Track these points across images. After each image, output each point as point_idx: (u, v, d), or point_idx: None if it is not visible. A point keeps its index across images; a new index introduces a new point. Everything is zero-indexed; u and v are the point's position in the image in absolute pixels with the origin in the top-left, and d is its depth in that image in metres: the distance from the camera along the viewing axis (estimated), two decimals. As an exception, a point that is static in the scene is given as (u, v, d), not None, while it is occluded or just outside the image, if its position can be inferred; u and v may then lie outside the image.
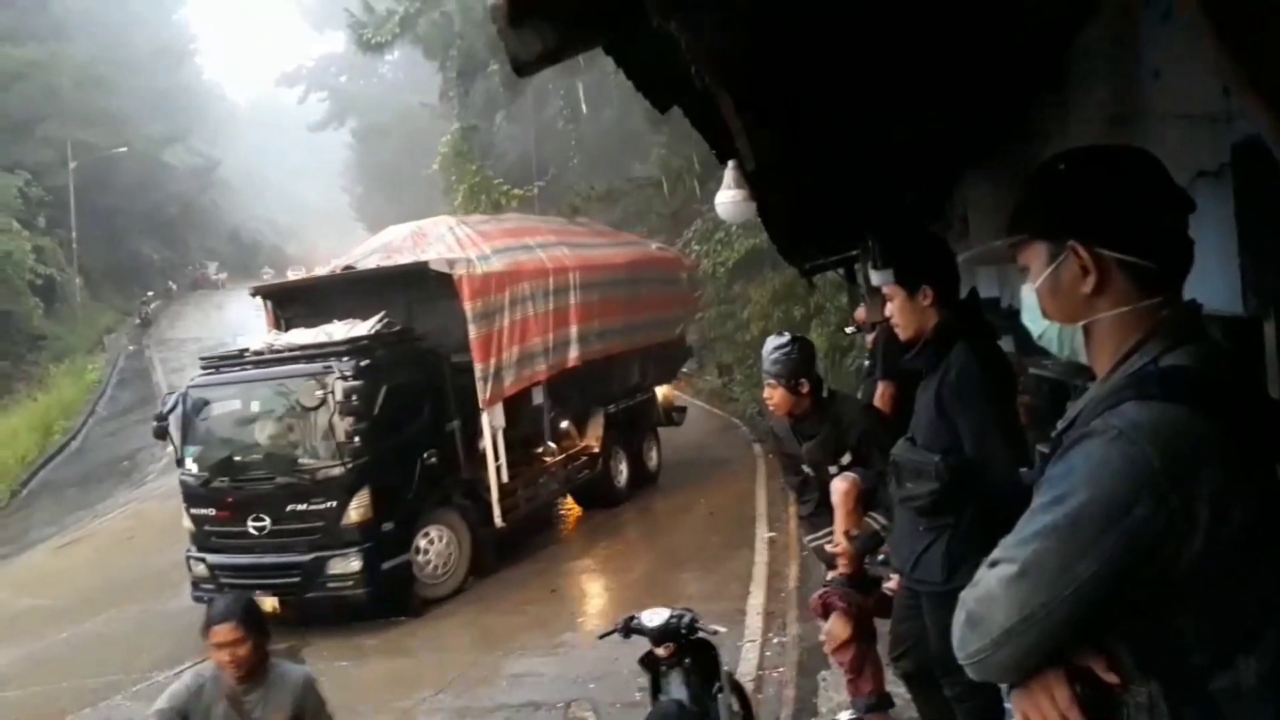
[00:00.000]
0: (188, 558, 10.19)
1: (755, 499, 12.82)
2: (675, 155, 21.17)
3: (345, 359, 9.59)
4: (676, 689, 4.68)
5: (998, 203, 4.91)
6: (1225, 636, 1.46)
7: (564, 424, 12.90)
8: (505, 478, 10.85)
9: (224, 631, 3.91)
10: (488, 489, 10.69)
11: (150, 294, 44.34)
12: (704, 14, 1.58)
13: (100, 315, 40.15)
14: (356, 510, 9.43)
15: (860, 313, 9.22)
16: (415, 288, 10.89)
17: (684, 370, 23.53)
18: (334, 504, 9.43)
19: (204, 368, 10.82)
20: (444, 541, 10.23)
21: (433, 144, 32.97)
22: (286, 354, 10.10)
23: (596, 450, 13.02)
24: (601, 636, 4.97)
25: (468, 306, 10.48)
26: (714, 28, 1.60)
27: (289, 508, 9.51)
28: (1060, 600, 1.45)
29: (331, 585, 9.42)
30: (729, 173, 3.91)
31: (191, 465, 10.15)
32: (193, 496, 10.11)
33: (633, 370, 14.19)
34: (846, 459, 4.71)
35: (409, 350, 10.49)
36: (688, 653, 4.76)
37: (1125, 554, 1.42)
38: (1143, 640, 1.49)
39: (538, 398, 12.03)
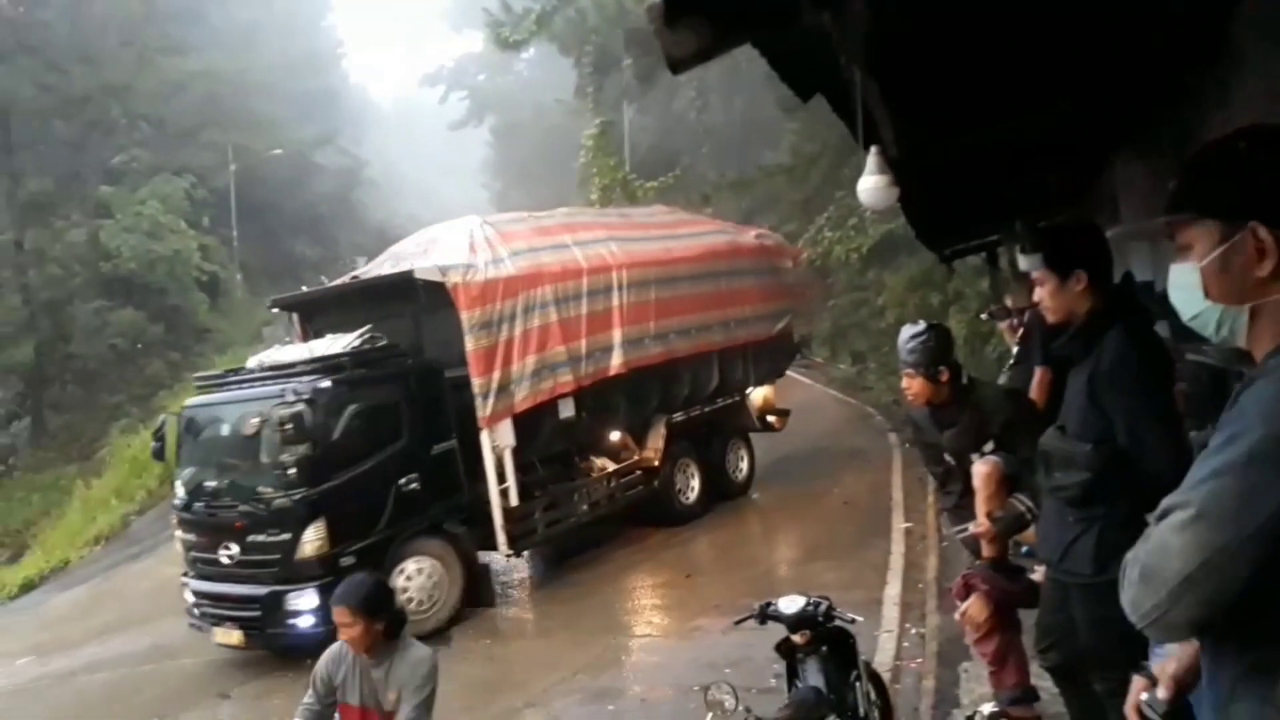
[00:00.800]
0: (181, 583, 9.82)
1: (891, 488, 12.61)
2: (808, 141, 20.98)
3: (306, 380, 8.97)
4: (813, 676, 4.67)
5: (1152, 183, 4.73)
6: None
7: (613, 436, 11.68)
8: (515, 500, 9.90)
9: (339, 613, 4.21)
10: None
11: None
12: (855, 5, 1.61)
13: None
14: (311, 544, 8.69)
15: (1010, 300, 8.96)
16: (416, 298, 10.03)
17: (815, 359, 23.33)
18: (288, 536, 8.75)
19: (198, 387, 10.51)
20: (425, 575, 9.34)
21: (568, 139, 33.60)
22: (259, 375, 9.66)
23: (656, 464, 11.83)
24: (737, 622, 5.00)
25: (464, 316, 9.60)
26: (865, 19, 1.63)
27: (250, 538, 8.95)
28: (1241, 542, 1.40)
29: (289, 622, 8.70)
30: (871, 159, 3.88)
31: (179, 486, 9.85)
32: (180, 519, 9.79)
33: (710, 372, 12.75)
34: (989, 447, 4.61)
35: (392, 367, 9.68)
36: (824, 640, 4.75)
37: None
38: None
39: (566, 410, 10.64)
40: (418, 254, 10.87)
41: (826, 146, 19.77)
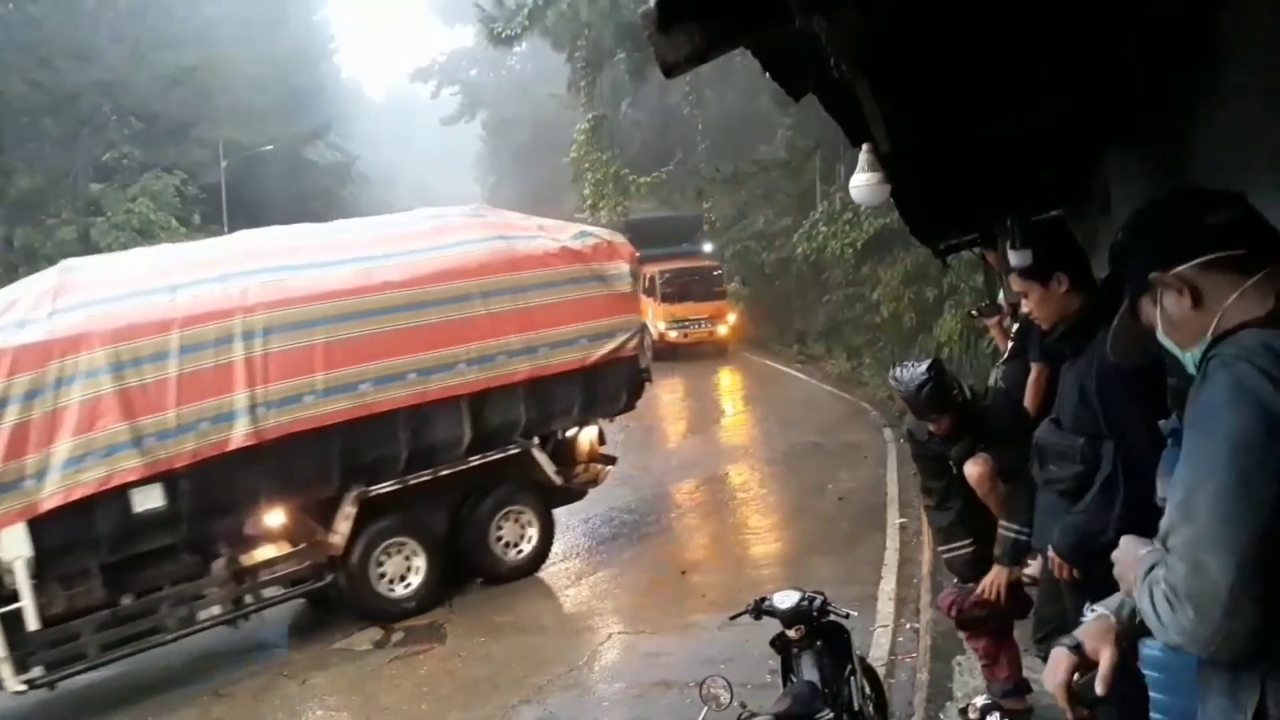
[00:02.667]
0: None
1: (886, 484, 12.66)
2: (802, 136, 21.00)
3: None
4: (808, 671, 4.69)
5: (1145, 176, 4.75)
6: None
7: (273, 519, 9.10)
8: (35, 624, 7.72)
9: None
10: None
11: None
12: (844, 7, 1.62)
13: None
14: None
15: (1004, 294, 8.96)
16: None
17: (811, 353, 23.35)
18: None
19: None
20: None
21: (561, 134, 33.53)
22: None
23: (339, 551, 9.22)
24: (732, 618, 5.01)
25: None
26: (853, 20, 1.64)
27: None
28: (1262, 529, 1.42)
29: None
30: (863, 156, 3.89)
31: None
32: None
33: (455, 422, 9.75)
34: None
35: None
36: (819, 635, 4.77)
37: None
38: None
39: (148, 499, 8.20)
40: None
41: (821, 141, 19.79)
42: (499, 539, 10.31)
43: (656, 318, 24.11)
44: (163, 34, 39.59)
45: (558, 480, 10.60)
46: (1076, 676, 1.75)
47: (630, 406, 11.47)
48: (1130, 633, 1.77)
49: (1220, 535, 1.44)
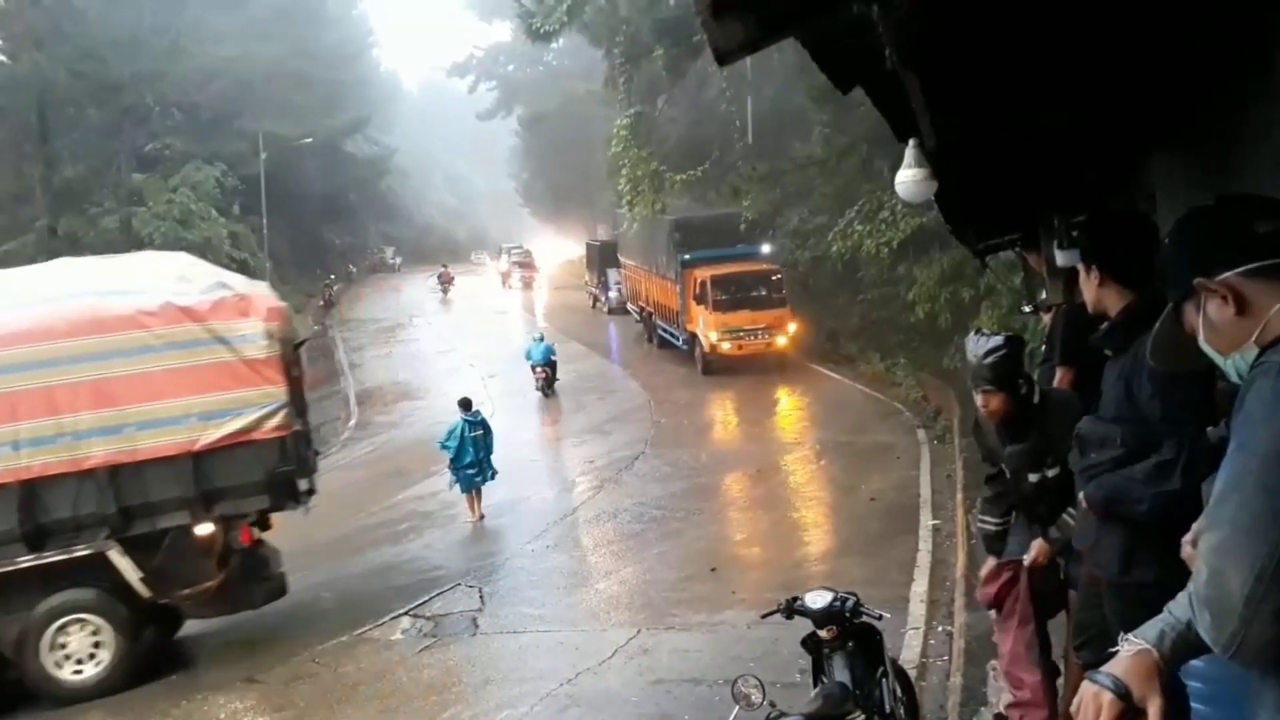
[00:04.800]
0: None
1: (919, 485, 12.55)
2: (839, 133, 20.83)
3: None
4: (839, 672, 4.65)
5: (1191, 178, 4.66)
6: None
7: None
8: None
9: None
10: None
11: (332, 277, 47.12)
12: (901, -4, 1.59)
13: (288, 298, 42.38)
14: None
15: (1044, 294, 8.82)
16: None
17: (844, 353, 23.17)
18: None
19: None
20: None
21: (597, 129, 33.54)
22: None
23: None
24: (764, 616, 4.99)
25: None
26: (911, 10, 1.61)
27: None
28: None
29: None
30: (909, 152, 3.85)
31: None
32: None
33: (7, 514, 8.28)
34: (1053, 472, 4.48)
35: None
36: (851, 636, 4.73)
37: None
38: None
39: None
40: None
41: (858, 139, 19.63)
42: (61, 654, 8.53)
43: (708, 327, 22.11)
44: (204, 26, 40.06)
45: (145, 591, 8.60)
46: None
47: (278, 506, 9.33)
48: (1174, 663, 1.71)
49: (1241, 545, 1.44)
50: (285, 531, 14.60)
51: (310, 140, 42.71)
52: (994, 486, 4.93)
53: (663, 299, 25.92)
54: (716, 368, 22.29)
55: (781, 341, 22.31)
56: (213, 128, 39.95)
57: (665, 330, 26.14)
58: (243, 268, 38.15)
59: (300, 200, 46.83)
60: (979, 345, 4.42)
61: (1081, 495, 3.62)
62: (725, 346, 22.04)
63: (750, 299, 22.44)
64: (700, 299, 22.43)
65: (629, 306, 31.66)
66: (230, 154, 39.33)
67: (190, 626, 9.86)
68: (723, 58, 1.76)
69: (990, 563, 4.95)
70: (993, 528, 4.94)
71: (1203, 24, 3.10)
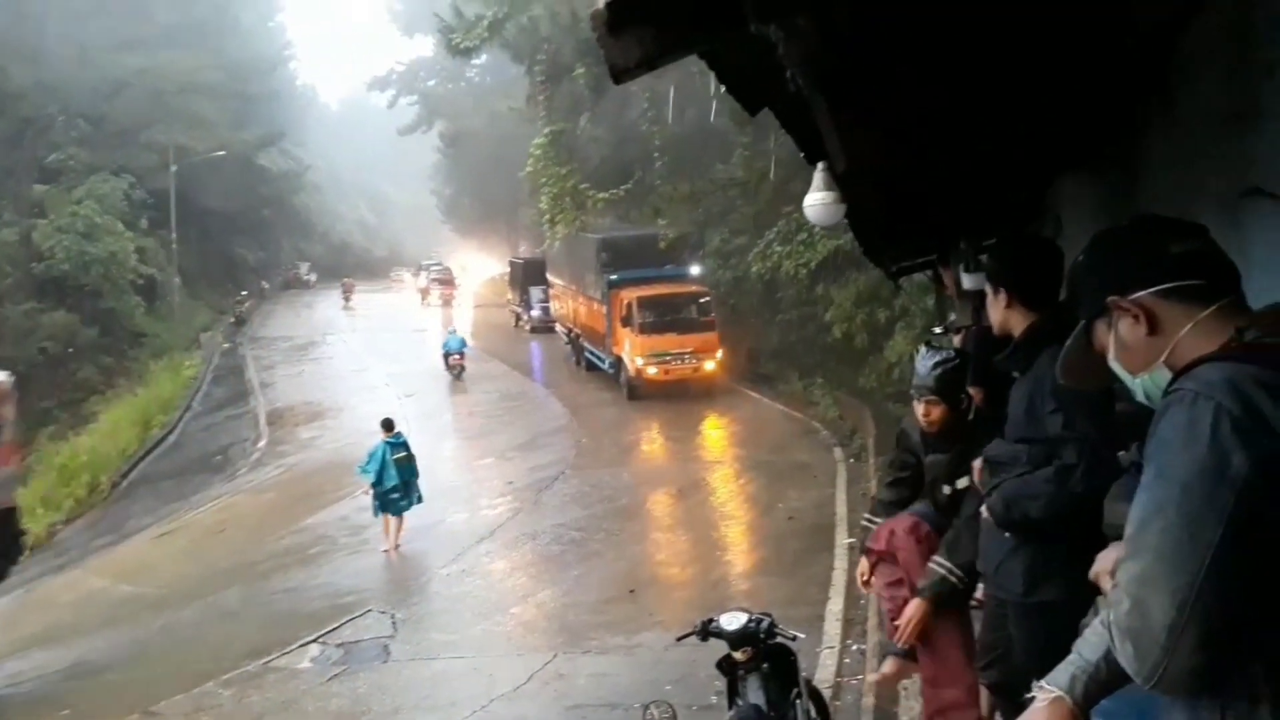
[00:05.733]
0: None
1: (835, 504, 12.67)
2: (759, 156, 21.07)
3: None
4: (754, 694, 4.63)
5: (1097, 202, 4.78)
6: None
7: None
8: None
9: None
10: None
11: (244, 293, 45.97)
12: (801, 17, 1.57)
13: (197, 313, 41.64)
14: None
15: (954, 317, 9.02)
16: None
17: (763, 372, 23.37)
18: None
19: None
20: None
21: (520, 146, 33.38)
22: None
23: None
24: (679, 639, 4.94)
25: None
26: (811, 31, 1.59)
27: None
28: (1203, 574, 1.41)
29: None
30: (818, 175, 3.87)
31: None
32: None
33: None
34: (963, 483, 4.52)
35: None
36: (766, 657, 4.71)
37: (1241, 506, 1.40)
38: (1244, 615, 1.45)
39: None
40: None
41: (777, 161, 19.87)
42: None
43: (633, 350, 21.49)
44: (112, 36, 38.90)
45: None
46: None
47: None
48: (1087, 707, 1.72)
49: (1162, 575, 1.44)
50: (194, 555, 14.18)
51: (223, 154, 41.69)
52: (895, 491, 4.93)
53: (589, 320, 25.32)
54: (642, 393, 21.69)
55: (709, 366, 21.77)
56: (121, 139, 38.76)
57: (592, 353, 25.52)
58: (150, 283, 37.06)
59: (212, 215, 45.67)
60: (930, 357, 4.48)
61: (984, 509, 3.65)
62: (651, 371, 21.38)
63: (677, 321, 21.82)
64: (626, 321, 21.87)
65: (558, 327, 30.80)
66: (139, 166, 38.21)
67: (86, 654, 9.45)
68: (619, 75, 1.72)
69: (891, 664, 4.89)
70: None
71: (1110, 56, 3.17)
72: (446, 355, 26.34)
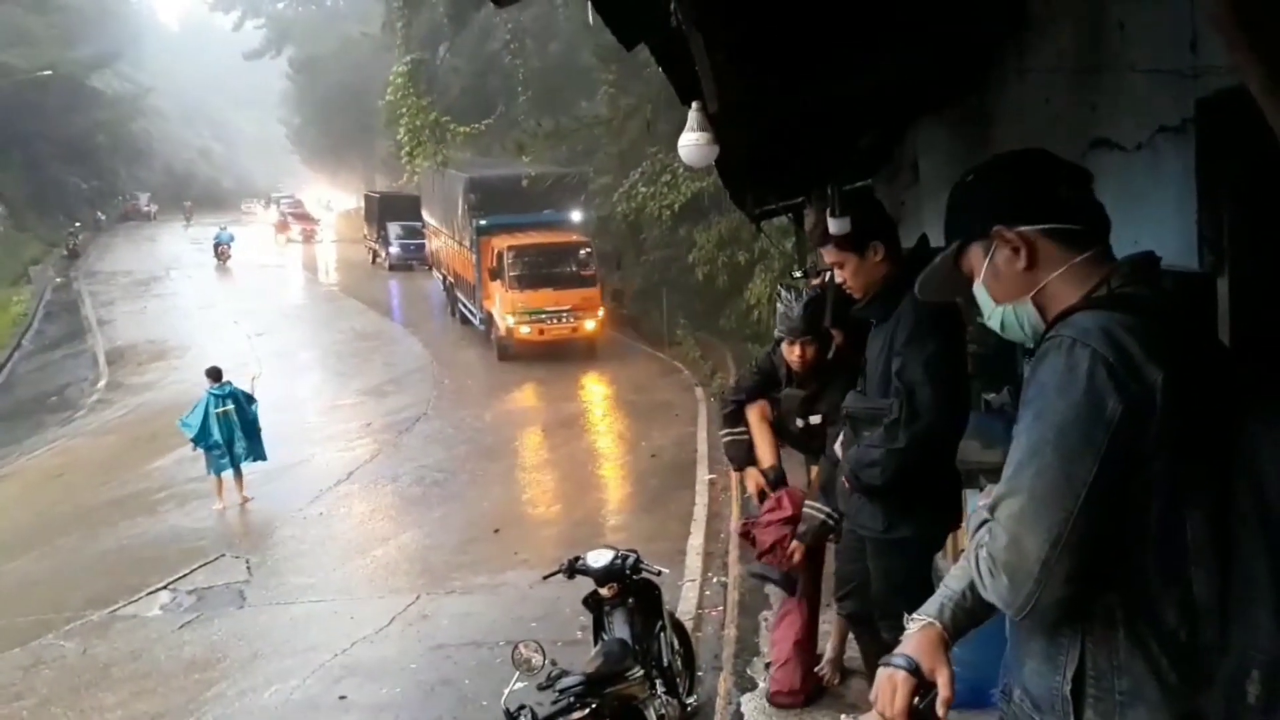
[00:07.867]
0: None
1: (696, 441, 12.94)
2: (624, 94, 20.89)
3: None
4: (620, 628, 4.74)
5: (953, 150, 4.94)
6: (1176, 551, 1.54)
7: None
8: None
9: None
10: None
11: (78, 225, 42.86)
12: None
13: (25, 246, 38.72)
14: None
15: (814, 260, 9.20)
16: None
17: (628, 313, 23.49)
18: None
19: None
20: None
21: (374, 76, 32.15)
22: None
23: None
24: (546, 577, 5.00)
25: None
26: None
27: None
28: (1077, 510, 1.50)
29: None
30: (692, 115, 3.84)
31: None
32: None
33: None
34: (816, 419, 4.66)
35: None
36: (631, 593, 4.83)
37: (1114, 447, 1.49)
38: (1106, 550, 1.55)
39: None
40: None
41: (643, 100, 19.73)
42: None
43: (504, 308, 19.25)
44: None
45: None
46: (917, 700, 1.75)
47: None
48: (956, 634, 1.82)
49: (1039, 513, 1.53)
50: (27, 502, 13.37)
51: (50, 74, 38.54)
52: (741, 426, 5.06)
53: (460, 269, 23.20)
54: (514, 353, 19.72)
55: (590, 326, 19.73)
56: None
57: (465, 305, 23.33)
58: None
59: (39, 140, 42.39)
60: (796, 300, 4.58)
61: (842, 476, 3.77)
62: (524, 331, 19.23)
63: (555, 275, 19.71)
64: (496, 274, 19.49)
65: (434, 272, 28.30)
66: (-50, 85, 35.02)
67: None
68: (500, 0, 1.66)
69: (753, 477, 4.96)
70: (731, 437, 5.10)
71: (968, 9, 3.24)
72: (217, 246, 35.84)
